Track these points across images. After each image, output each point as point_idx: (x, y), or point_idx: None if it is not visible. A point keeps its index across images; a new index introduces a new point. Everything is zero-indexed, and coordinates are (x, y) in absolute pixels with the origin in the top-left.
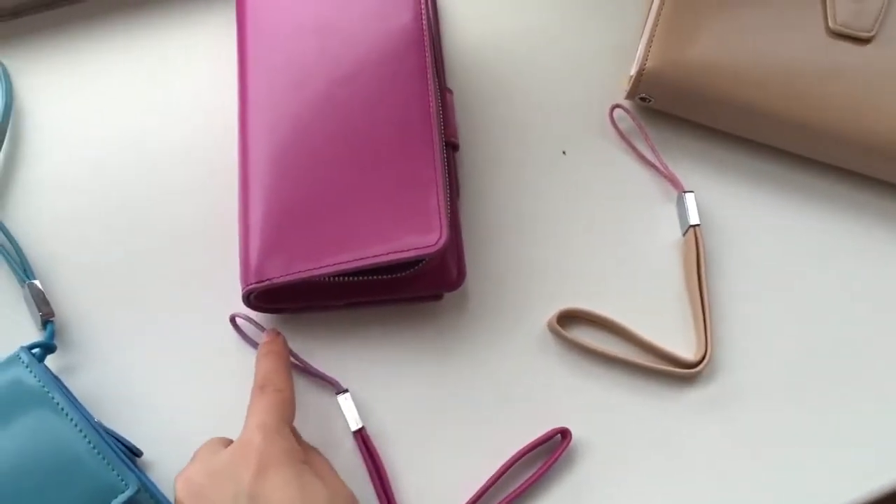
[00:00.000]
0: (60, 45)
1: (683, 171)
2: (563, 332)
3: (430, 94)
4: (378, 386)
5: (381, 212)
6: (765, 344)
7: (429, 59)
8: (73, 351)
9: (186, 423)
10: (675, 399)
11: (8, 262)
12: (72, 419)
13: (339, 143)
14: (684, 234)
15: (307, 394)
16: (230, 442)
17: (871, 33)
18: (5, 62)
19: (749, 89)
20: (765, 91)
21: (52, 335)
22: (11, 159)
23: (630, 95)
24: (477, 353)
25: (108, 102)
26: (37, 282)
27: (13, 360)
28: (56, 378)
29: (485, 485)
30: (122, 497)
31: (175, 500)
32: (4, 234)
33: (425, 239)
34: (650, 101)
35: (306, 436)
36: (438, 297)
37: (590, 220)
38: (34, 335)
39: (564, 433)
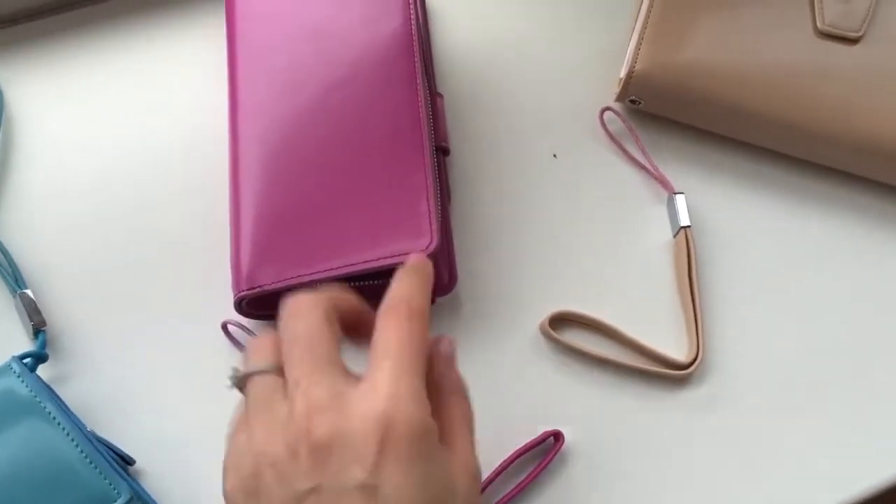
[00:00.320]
0: (52, 54)
1: (674, 173)
2: (554, 334)
3: (419, 99)
4: None
5: (372, 217)
6: (757, 345)
7: (418, 64)
8: (65, 360)
9: (179, 432)
10: (667, 400)
11: None
12: (63, 428)
13: (330, 149)
14: (675, 236)
15: None
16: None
17: (860, 33)
18: None
19: (738, 90)
20: (754, 92)
21: (43, 344)
22: (3, 167)
23: (620, 98)
24: (469, 357)
25: (101, 110)
26: (28, 291)
27: (4, 369)
28: (48, 387)
29: None
30: None
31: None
32: None
33: (416, 244)
34: (640, 103)
35: None
36: (430, 301)
37: (581, 223)
38: (26, 344)
39: (557, 436)
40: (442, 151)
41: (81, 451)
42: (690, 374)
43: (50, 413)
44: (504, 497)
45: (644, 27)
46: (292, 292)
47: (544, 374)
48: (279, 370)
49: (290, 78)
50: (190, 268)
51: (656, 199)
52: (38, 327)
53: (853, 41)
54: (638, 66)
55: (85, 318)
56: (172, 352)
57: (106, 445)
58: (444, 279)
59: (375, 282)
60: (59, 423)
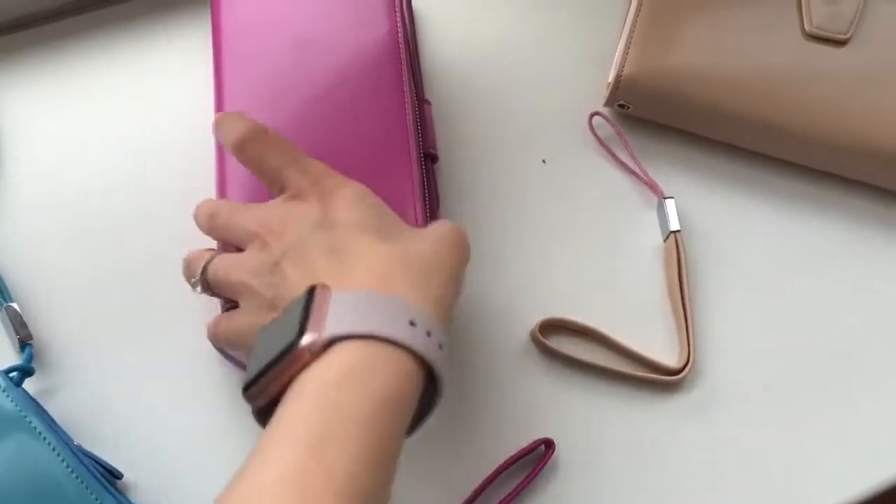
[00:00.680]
0: (40, 64)
1: (663, 177)
2: (545, 341)
3: (406, 107)
4: None
5: None
6: (748, 349)
7: (405, 71)
8: (51, 373)
9: (167, 445)
10: (659, 406)
11: None
12: (49, 443)
13: (316, 158)
14: (665, 241)
15: None
16: None
17: (847, 35)
18: None
19: (727, 94)
20: (742, 95)
21: (30, 358)
22: None
23: (609, 102)
24: (460, 365)
25: (88, 122)
26: (14, 304)
27: None
28: (34, 401)
29: (469, 497)
30: None
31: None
32: None
33: None
34: (629, 107)
35: None
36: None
37: (571, 229)
38: (12, 358)
39: (549, 444)
40: (430, 158)
41: (67, 466)
42: (682, 380)
43: (35, 428)
44: None
45: (632, 31)
46: None
47: (535, 382)
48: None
49: (275, 87)
50: (178, 281)
51: (646, 204)
52: (25, 341)
53: (841, 43)
54: (626, 71)
55: (72, 331)
56: (160, 364)
57: (93, 459)
58: None
59: None
60: (44, 438)
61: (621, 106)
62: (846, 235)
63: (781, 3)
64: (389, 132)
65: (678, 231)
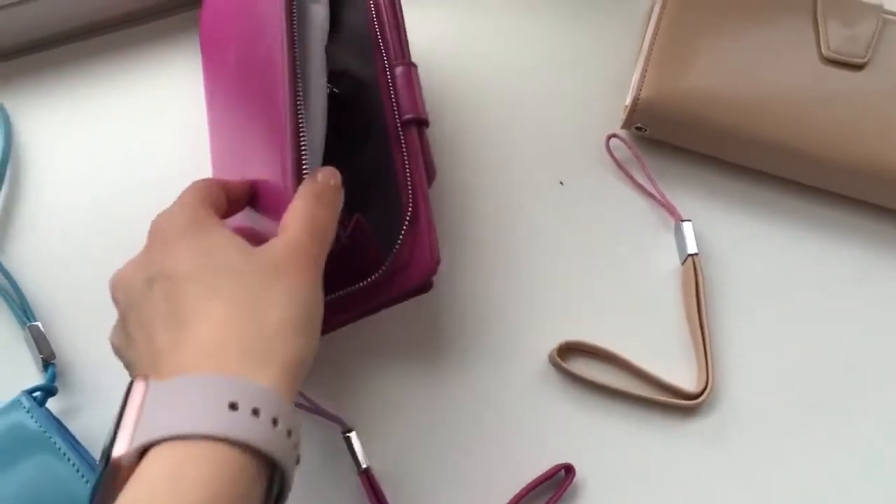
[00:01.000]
0: (60, 84)
1: (681, 200)
2: (564, 365)
3: (280, 63)
4: (380, 423)
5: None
6: (767, 373)
7: (284, 38)
8: (74, 392)
9: None
10: (678, 431)
11: (8, 303)
12: (73, 463)
13: (237, 140)
14: (683, 263)
15: (312, 433)
16: None
17: (865, 59)
18: (4, 103)
19: (744, 117)
20: (760, 118)
21: (53, 377)
22: (11, 200)
23: (626, 125)
24: (479, 389)
25: (107, 141)
26: (38, 324)
27: (14, 405)
28: (58, 421)
29: None
30: None
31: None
32: (5, 275)
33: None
34: (646, 130)
35: (310, 475)
36: (427, 287)
37: (588, 250)
38: (35, 377)
39: (568, 469)
40: (416, 123)
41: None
42: (700, 404)
43: (59, 448)
44: None
45: (649, 54)
46: None
47: (554, 405)
48: None
49: (223, 85)
50: None
51: (663, 226)
52: (48, 360)
53: (858, 67)
54: (643, 94)
55: (94, 350)
56: None
57: None
58: (426, 258)
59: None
60: (68, 458)
61: (638, 128)
62: (863, 258)
63: (798, 26)
64: (270, 97)
65: (696, 254)
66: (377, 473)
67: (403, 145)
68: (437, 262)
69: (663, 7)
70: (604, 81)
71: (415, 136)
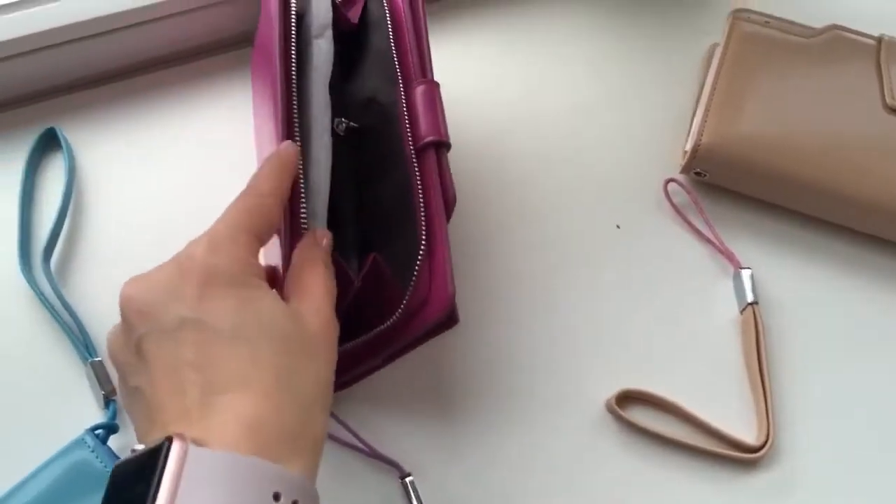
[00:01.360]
0: (120, 118)
1: (740, 246)
2: (622, 413)
3: (278, 82)
4: (435, 468)
5: None
6: (830, 426)
7: (278, 42)
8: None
9: None
10: (738, 484)
11: (71, 339)
12: None
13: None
14: (742, 312)
15: (368, 478)
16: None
17: None
18: (68, 135)
19: (805, 164)
20: (821, 166)
21: (114, 414)
22: (73, 233)
23: (685, 170)
24: (534, 435)
25: (168, 175)
26: (100, 359)
27: (78, 443)
28: (119, 459)
29: None
30: None
31: (121, 314)
32: (68, 310)
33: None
34: (705, 175)
35: None
36: (453, 321)
37: (645, 296)
38: (95, 413)
39: None
40: (435, 146)
41: None
42: (761, 458)
43: None
44: None
45: (710, 100)
46: None
47: (610, 454)
48: None
49: (262, 125)
50: None
51: (722, 273)
52: (109, 396)
53: None
54: (704, 140)
55: None
56: None
57: None
58: (447, 291)
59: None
60: None
61: (697, 173)
62: None
63: (862, 74)
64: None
65: (755, 303)
66: None
67: (417, 170)
68: (453, 296)
69: (724, 52)
70: (658, 123)
71: (432, 158)
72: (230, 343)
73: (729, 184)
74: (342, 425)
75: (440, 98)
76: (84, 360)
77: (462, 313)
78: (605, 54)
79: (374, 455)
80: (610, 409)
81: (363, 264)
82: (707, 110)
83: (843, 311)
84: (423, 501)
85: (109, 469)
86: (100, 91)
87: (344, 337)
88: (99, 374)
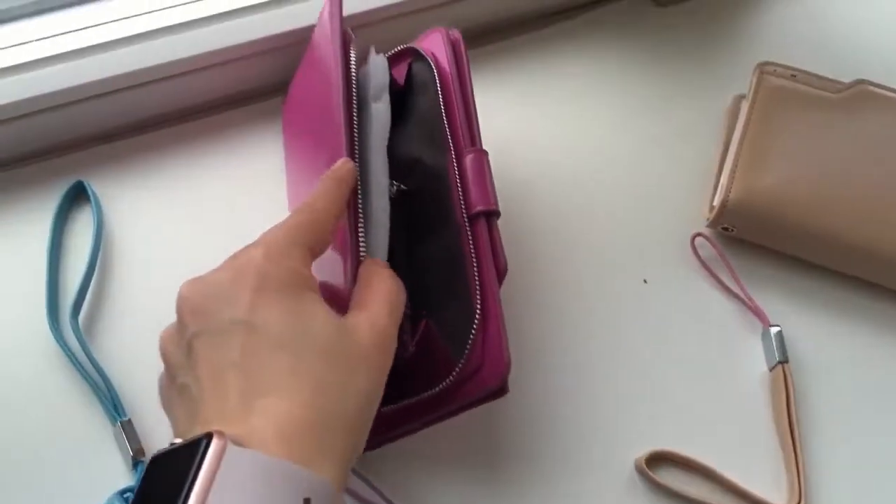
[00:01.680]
0: (148, 170)
1: (769, 303)
2: (652, 475)
3: (340, 110)
4: None
5: None
6: (863, 489)
7: (341, 97)
8: None
9: None
10: None
11: (99, 397)
12: None
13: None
14: (771, 370)
15: None
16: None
17: None
18: (95, 188)
19: (836, 220)
20: (851, 222)
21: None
22: (101, 288)
23: (713, 225)
24: (563, 497)
25: (196, 228)
26: (128, 418)
27: None
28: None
29: None
30: None
31: (176, 313)
32: (95, 368)
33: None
34: (732, 230)
35: None
36: (503, 391)
37: (672, 353)
38: (122, 474)
39: None
40: (485, 215)
41: None
42: None
43: None
44: None
45: (738, 155)
46: None
47: None
48: None
49: (299, 180)
50: None
51: (751, 330)
52: (137, 458)
53: None
54: (732, 195)
55: None
56: None
57: None
58: (503, 361)
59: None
60: None
61: (724, 228)
62: None
63: (890, 128)
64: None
65: (786, 362)
66: None
67: (471, 239)
68: (509, 365)
69: (752, 106)
70: (686, 174)
71: (484, 229)
72: (275, 350)
73: (756, 238)
74: (367, 483)
75: (489, 166)
76: (113, 420)
77: None
78: (629, 106)
79: None
80: (639, 470)
81: (415, 328)
82: (735, 165)
83: (874, 369)
84: None
85: None
86: (127, 143)
87: (385, 400)
88: (128, 435)
